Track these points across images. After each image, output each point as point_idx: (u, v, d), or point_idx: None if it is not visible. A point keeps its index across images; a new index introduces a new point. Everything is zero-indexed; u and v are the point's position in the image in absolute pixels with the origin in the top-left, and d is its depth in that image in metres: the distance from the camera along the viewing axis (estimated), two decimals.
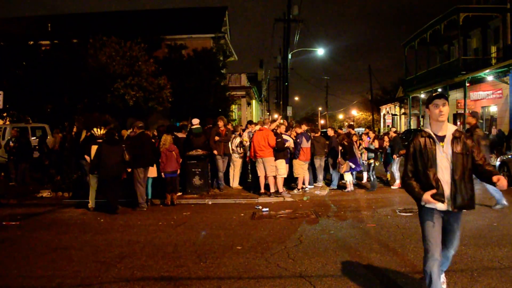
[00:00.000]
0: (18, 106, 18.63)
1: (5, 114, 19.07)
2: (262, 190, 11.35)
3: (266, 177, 11.32)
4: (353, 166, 11.95)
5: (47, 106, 19.09)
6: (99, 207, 9.99)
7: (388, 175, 13.71)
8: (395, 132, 13.93)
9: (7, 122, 19.54)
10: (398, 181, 12.42)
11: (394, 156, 12.33)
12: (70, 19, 31.05)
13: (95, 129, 10.42)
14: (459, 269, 5.30)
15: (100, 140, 10.11)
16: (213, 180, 12.26)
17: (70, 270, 5.65)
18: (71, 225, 8.71)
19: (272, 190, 11.15)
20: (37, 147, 15.57)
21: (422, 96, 33.27)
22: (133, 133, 10.92)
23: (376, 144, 12.53)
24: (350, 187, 12.07)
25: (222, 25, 31.33)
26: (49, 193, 12.07)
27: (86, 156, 10.45)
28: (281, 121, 13.89)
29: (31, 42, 19.63)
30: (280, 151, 11.38)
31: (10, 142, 13.72)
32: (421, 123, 34.12)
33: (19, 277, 5.41)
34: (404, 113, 40.98)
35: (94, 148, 10.10)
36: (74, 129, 11.42)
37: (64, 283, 5.17)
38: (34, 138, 17.62)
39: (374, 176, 12.37)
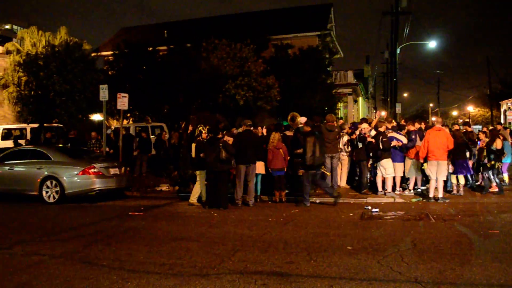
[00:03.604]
0: (139, 107, 20.34)
1: (128, 115, 20.91)
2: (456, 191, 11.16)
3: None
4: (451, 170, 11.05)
5: (164, 106, 20.57)
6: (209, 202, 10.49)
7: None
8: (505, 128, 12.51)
9: (131, 122, 21.44)
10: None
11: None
12: (184, 25, 33.05)
13: (200, 128, 10.94)
14: None
15: (200, 139, 10.66)
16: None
17: (188, 259, 6.04)
18: (187, 218, 9.33)
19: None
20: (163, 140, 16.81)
21: None
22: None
23: (498, 144, 11.26)
24: (455, 190, 11.18)
25: (327, 22, 31.07)
26: (167, 187, 13.02)
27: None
28: (382, 119, 13.36)
29: (150, 49, 21.26)
30: (386, 150, 11.01)
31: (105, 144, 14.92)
32: None
33: (144, 263, 5.92)
34: None
35: (194, 146, 10.71)
36: (190, 128, 12.21)
37: (183, 271, 5.54)
38: (153, 136, 19.10)
39: (497, 179, 11.30)
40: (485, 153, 11.32)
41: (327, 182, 11.26)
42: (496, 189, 11.25)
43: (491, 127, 13.59)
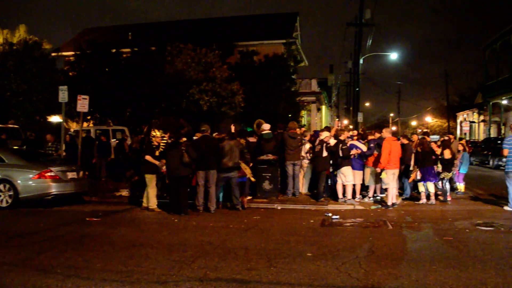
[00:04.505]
0: (100, 110, 19.88)
1: (89, 117, 20.41)
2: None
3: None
4: (419, 177, 11.38)
5: (126, 110, 20.19)
6: (163, 207, 10.49)
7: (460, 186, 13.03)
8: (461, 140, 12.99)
9: (91, 125, 20.92)
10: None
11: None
12: (149, 28, 32.63)
13: (153, 132, 10.83)
14: None
15: (155, 143, 10.62)
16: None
17: (147, 266, 5.92)
18: (147, 224, 9.18)
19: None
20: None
21: (504, 102, 31.21)
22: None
23: (446, 154, 11.63)
24: (423, 199, 11.36)
25: (293, 31, 31.45)
26: (127, 192, 12.74)
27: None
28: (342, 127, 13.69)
29: (114, 50, 20.87)
30: (345, 158, 11.23)
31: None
32: (502, 131, 31.98)
33: (100, 271, 5.76)
34: (483, 120, 38.65)
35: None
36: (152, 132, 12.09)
37: (141, 279, 5.42)
38: (114, 140, 18.69)
39: (446, 187, 11.71)
40: (439, 164, 11.69)
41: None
42: (449, 198, 11.67)
43: (446, 138, 14.05)
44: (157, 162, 10.52)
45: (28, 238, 7.69)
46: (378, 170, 10.80)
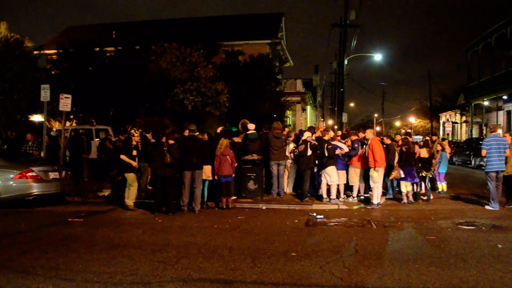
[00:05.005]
0: (84, 109, 19.64)
1: (71, 117, 20.14)
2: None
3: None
4: (403, 175, 11.48)
5: (110, 109, 19.97)
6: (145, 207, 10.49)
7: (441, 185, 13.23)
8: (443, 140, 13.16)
9: (74, 124, 20.64)
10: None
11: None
12: (133, 26, 32.32)
13: (132, 131, 10.82)
14: None
15: (133, 142, 10.65)
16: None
17: (130, 267, 5.87)
18: (131, 224, 9.09)
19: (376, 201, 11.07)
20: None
21: (486, 103, 31.71)
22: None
23: (422, 153, 11.80)
24: (404, 199, 11.48)
25: (278, 31, 31.45)
26: (110, 192, 12.61)
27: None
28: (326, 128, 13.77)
29: (97, 49, 20.61)
30: (331, 158, 11.29)
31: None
32: (484, 132, 32.52)
33: (82, 272, 5.69)
34: (466, 121, 39.25)
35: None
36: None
37: (124, 280, 5.37)
38: (98, 139, 18.48)
39: (427, 187, 11.88)
40: (420, 164, 11.82)
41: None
42: (432, 197, 11.85)
43: (428, 138, 14.24)
44: (133, 162, 10.47)
45: (8, 239, 7.56)
46: (377, 169, 10.78)
